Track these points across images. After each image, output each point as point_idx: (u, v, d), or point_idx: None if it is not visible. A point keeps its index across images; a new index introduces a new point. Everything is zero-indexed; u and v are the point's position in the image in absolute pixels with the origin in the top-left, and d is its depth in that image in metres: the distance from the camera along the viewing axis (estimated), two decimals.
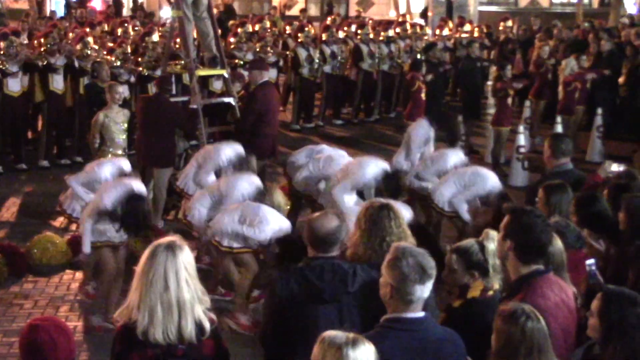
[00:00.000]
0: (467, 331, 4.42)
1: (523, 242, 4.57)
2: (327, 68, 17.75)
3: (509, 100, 14.33)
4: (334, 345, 3.62)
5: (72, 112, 14.34)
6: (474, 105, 16.07)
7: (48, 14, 24.46)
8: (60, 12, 25.74)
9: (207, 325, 4.24)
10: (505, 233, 4.64)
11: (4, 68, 13.38)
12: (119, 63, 14.44)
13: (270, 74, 13.86)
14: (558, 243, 5.00)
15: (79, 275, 9.27)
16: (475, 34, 21.07)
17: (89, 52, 14.38)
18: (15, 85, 13.66)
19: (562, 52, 17.85)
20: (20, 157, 14.05)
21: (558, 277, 4.76)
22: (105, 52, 14.86)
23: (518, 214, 4.65)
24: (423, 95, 14.18)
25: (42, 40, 14.33)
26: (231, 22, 20.64)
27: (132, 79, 14.59)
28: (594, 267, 5.24)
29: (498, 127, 13.98)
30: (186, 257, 4.21)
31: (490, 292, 4.89)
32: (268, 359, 4.85)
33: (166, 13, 22.03)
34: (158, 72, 13.98)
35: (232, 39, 16.99)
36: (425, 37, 20.36)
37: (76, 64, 14.15)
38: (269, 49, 16.84)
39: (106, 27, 19.12)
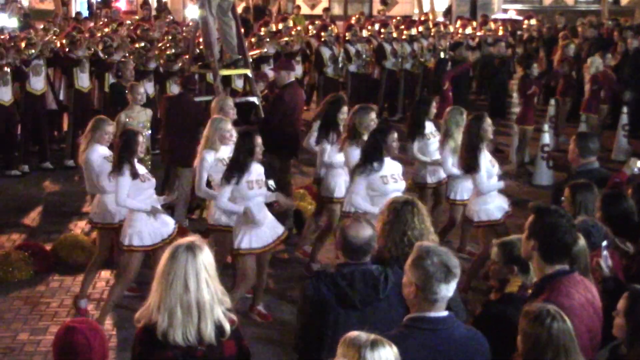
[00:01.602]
0: (501, 326, 4.41)
1: (547, 241, 4.54)
2: (352, 67, 17.76)
3: (535, 99, 14.28)
4: (353, 346, 3.63)
5: (98, 111, 14.43)
6: (500, 104, 16.00)
7: (73, 14, 24.61)
8: (86, 12, 25.91)
9: (226, 327, 4.23)
10: (530, 232, 4.61)
11: (34, 56, 13.53)
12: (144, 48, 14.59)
13: (296, 72, 13.89)
14: (582, 243, 4.98)
15: (104, 274, 9.28)
16: (500, 32, 20.97)
17: (114, 46, 14.48)
18: (37, 84, 13.78)
19: (586, 50, 17.75)
20: (46, 157, 14.17)
21: (583, 277, 4.73)
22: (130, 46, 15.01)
23: (543, 214, 4.61)
24: (452, 94, 14.20)
25: (63, 41, 14.48)
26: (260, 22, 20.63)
27: (153, 66, 14.64)
28: (605, 252, 5.21)
29: (523, 125, 13.97)
30: (206, 258, 4.22)
31: (530, 291, 4.86)
32: None
33: (191, 13, 22.04)
34: (176, 67, 14.12)
35: (252, 40, 17.04)
36: (449, 36, 20.28)
37: (100, 53, 14.23)
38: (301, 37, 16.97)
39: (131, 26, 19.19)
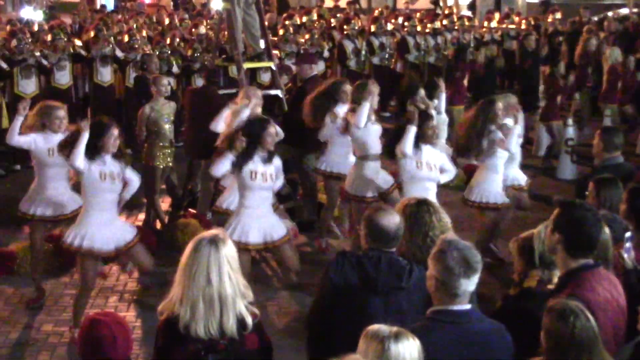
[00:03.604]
0: (518, 320, 4.40)
1: (573, 236, 4.51)
2: (375, 59, 17.74)
3: (558, 98, 14.21)
4: (376, 338, 3.62)
5: (120, 104, 14.52)
6: (531, 99, 15.83)
7: (98, 7, 24.74)
8: (111, 5, 26.04)
9: (249, 320, 4.24)
10: (555, 226, 4.57)
11: (54, 61, 13.63)
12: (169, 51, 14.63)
13: (319, 67, 13.86)
14: (606, 233, 4.94)
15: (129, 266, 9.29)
16: (523, 26, 20.83)
17: (136, 45, 14.54)
18: (62, 78, 13.87)
19: (610, 44, 17.61)
20: None
21: (608, 272, 4.69)
22: (153, 43, 15.04)
23: (568, 208, 4.58)
24: (465, 82, 14.17)
25: (91, 33, 14.57)
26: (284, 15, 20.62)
27: (175, 70, 14.70)
28: (629, 244, 5.17)
29: (547, 122, 13.91)
30: (229, 251, 4.23)
31: (550, 286, 4.82)
32: (311, 341, 4.86)
33: (216, 4, 22.07)
34: (197, 65, 14.18)
35: (280, 32, 17.02)
36: (473, 29, 20.19)
37: (118, 53, 14.29)
38: (322, 41, 16.91)
39: (154, 19, 19.26)
